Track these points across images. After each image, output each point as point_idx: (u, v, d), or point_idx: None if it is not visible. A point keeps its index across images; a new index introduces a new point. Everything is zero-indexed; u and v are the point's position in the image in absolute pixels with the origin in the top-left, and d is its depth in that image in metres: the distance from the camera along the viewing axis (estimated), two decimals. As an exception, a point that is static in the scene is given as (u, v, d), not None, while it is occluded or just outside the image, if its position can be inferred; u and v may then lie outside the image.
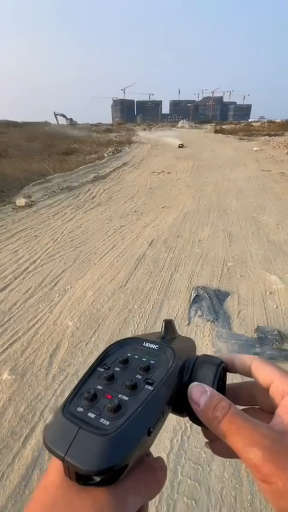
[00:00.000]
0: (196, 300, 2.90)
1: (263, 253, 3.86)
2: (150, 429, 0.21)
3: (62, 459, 0.19)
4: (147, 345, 0.28)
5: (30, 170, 8.76)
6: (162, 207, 6.10)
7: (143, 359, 0.26)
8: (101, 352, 0.27)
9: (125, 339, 0.29)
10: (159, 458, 0.24)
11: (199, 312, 2.72)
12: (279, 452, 0.19)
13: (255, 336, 2.40)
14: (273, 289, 3.08)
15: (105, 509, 0.19)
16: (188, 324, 2.58)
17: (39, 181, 7.91)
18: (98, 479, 0.18)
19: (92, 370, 0.25)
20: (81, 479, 0.19)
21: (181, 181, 8.48)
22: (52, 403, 1.84)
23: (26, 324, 2.61)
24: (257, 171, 9.33)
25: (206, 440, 0.26)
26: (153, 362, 0.25)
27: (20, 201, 6.31)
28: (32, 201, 6.50)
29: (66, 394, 1.62)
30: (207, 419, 0.23)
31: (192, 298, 2.93)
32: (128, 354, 0.27)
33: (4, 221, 5.39)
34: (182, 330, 2.49)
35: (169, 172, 9.67)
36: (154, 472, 0.23)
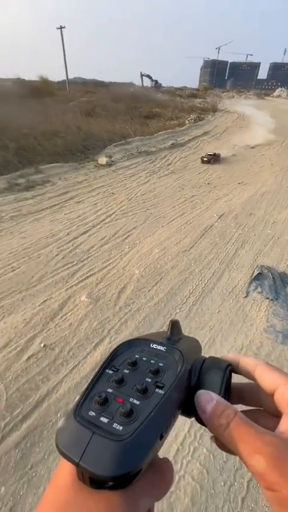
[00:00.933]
0: (258, 277, 2.90)
1: None
2: (162, 433, 0.21)
3: (77, 464, 0.19)
4: (154, 346, 0.28)
5: (113, 131, 9.14)
6: (239, 183, 5.81)
7: (152, 361, 0.26)
8: (108, 354, 0.27)
9: (132, 339, 0.29)
10: (166, 460, 0.24)
11: (259, 289, 2.74)
12: (283, 461, 0.19)
13: (314, 323, 2.35)
14: None
15: (117, 511, 0.19)
16: (246, 297, 2.65)
17: (120, 142, 8.26)
18: (111, 483, 0.19)
19: (101, 372, 0.25)
20: (95, 483, 0.19)
21: (265, 158, 7.76)
22: (117, 327, 2.25)
23: (101, 264, 3.06)
24: None
25: (211, 435, 0.26)
26: (161, 365, 0.25)
27: (102, 160, 6.80)
28: (112, 161, 6.93)
29: (129, 323, 1.97)
30: (213, 427, 0.23)
31: (254, 275, 2.94)
32: (136, 356, 0.26)
33: (87, 176, 5.96)
34: (238, 300, 2.59)
35: (252, 147, 8.89)
36: (163, 474, 0.23)
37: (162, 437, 0.21)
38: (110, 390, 0.23)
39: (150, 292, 2.65)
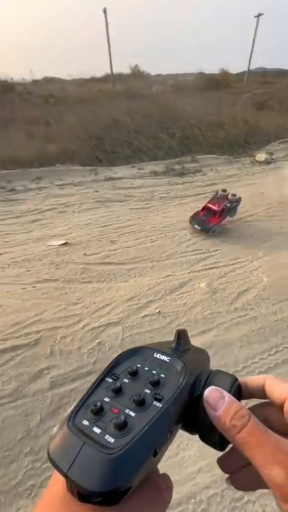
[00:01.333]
0: None
1: None
2: (157, 450, 0.19)
3: (65, 475, 0.18)
4: (158, 355, 0.26)
5: (284, 126, 8.20)
6: None
7: (153, 372, 0.25)
8: (110, 361, 0.26)
9: (137, 347, 0.27)
10: (165, 476, 0.23)
11: None
12: None
13: None
14: None
15: None
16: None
17: (287, 139, 7.35)
18: (99, 498, 0.18)
19: (100, 380, 0.24)
20: (83, 497, 0.18)
21: None
22: (227, 325, 2.21)
23: (228, 260, 3.01)
24: None
25: (226, 476, 0.24)
26: (163, 376, 0.24)
27: (260, 156, 6.33)
28: (272, 159, 6.32)
29: (240, 327, 1.84)
30: (224, 427, 0.21)
31: None
32: (138, 365, 0.25)
33: (239, 171, 5.76)
34: None
35: None
36: (160, 491, 0.21)
37: (156, 453, 0.20)
38: (106, 399, 0.22)
39: (274, 307, 2.39)
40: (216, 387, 0.23)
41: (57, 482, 0.20)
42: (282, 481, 0.19)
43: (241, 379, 0.27)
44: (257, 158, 6.35)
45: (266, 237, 3.47)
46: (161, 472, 0.23)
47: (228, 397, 0.22)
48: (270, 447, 0.20)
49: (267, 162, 6.16)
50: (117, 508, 0.18)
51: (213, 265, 2.92)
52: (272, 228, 3.67)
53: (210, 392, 0.23)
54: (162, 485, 0.22)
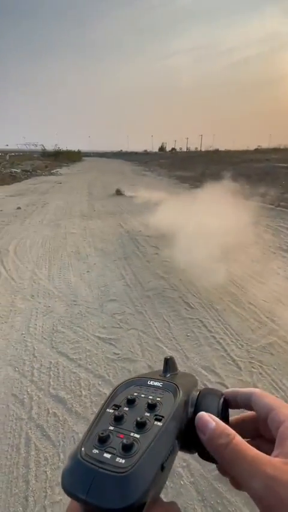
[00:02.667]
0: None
1: None
2: (164, 464, 0.21)
3: (84, 501, 0.19)
4: (152, 382, 0.28)
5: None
6: None
7: (150, 397, 0.27)
8: (108, 394, 0.28)
9: (131, 379, 0.30)
10: (174, 503, 0.23)
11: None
12: (279, 485, 0.19)
13: None
14: None
15: None
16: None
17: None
18: None
19: (102, 412, 0.26)
20: None
21: None
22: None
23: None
24: None
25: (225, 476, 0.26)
26: (159, 399, 0.26)
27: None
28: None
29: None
30: (213, 448, 0.23)
31: None
32: (135, 394, 0.27)
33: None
34: None
35: None
36: None
37: (163, 468, 0.21)
38: (111, 428, 0.24)
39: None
40: (204, 413, 0.25)
41: None
42: (261, 493, 0.20)
43: (231, 390, 0.30)
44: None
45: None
46: None
47: (215, 419, 0.24)
48: (250, 461, 0.21)
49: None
50: None
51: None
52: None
53: (200, 418, 0.25)
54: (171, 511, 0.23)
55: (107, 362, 2.21)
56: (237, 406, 0.29)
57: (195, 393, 0.28)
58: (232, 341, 2.40)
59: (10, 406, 1.83)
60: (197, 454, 0.27)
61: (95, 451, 0.22)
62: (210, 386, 1.87)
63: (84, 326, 2.67)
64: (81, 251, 4.52)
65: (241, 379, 2.02)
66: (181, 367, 2.10)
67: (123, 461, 0.20)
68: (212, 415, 0.25)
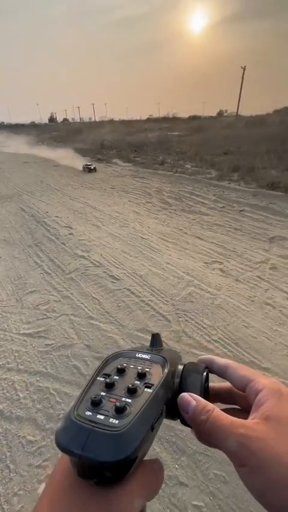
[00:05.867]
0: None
1: None
2: (153, 425, 0.23)
3: (79, 456, 0.20)
4: (140, 355, 0.30)
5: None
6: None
7: (139, 367, 0.28)
8: (99, 364, 0.29)
9: (120, 351, 0.31)
10: (157, 460, 0.25)
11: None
12: (250, 439, 0.22)
13: None
14: None
15: (114, 509, 0.20)
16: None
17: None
18: (109, 474, 0.20)
19: (93, 380, 0.27)
20: (94, 476, 0.21)
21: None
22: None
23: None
24: None
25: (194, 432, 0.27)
26: (148, 369, 0.28)
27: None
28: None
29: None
30: (195, 424, 0.25)
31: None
32: (124, 364, 0.29)
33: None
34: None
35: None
36: (154, 474, 0.24)
37: (153, 428, 0.23)
38: (103, 393, 0.25)
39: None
40: (187, 393, 0.27)
41: (61, 470, 0.22)
42: (235, 449, 0.22)
43: (210, 358, 0.32)
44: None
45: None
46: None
47: (196, 399, 0.26)
48: (226, 426, 0.23)
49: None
50: (122, 492, 0.21)
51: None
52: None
53: (182, 398, 0.26)
54: (155, 469, 0.24)
55: (40, 356, 2.07)
56: (213, 373, 0.31)
57: (181, 367, 0.31)
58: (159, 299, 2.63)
59: None
60: (179, 420, 0.29)
61: (88, 413, 0.23)
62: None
63: (4, 328, 2.37)
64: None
65: (172, 329, 2.27)
66: (118, 336, 2.23)
67: (117, 421, 0.22)
68: (192, 394, 0.27)
